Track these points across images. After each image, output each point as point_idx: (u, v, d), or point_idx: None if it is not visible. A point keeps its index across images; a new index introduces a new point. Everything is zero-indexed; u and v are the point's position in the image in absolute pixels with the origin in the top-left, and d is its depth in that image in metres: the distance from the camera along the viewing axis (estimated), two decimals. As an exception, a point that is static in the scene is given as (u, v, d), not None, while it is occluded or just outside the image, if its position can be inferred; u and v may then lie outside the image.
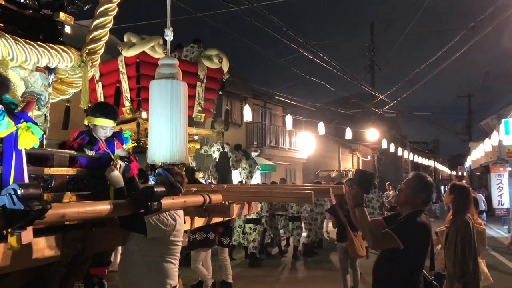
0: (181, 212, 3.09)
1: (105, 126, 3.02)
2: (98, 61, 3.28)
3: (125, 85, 7.91)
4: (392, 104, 22.00)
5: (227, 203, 3.91)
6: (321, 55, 13.07)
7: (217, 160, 10.24)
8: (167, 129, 2.92)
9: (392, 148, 23.88)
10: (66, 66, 3.00)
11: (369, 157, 29.05)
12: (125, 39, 7.64)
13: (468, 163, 38.66)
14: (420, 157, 37.57)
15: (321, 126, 17.90)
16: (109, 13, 3.24)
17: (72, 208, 2.17)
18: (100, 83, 8.37)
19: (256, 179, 11.08)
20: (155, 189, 2.54)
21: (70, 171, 2.73)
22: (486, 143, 20.13)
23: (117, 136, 3.14)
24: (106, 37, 3.28)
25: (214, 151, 10.44)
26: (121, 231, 2.99)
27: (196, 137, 8.81)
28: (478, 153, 24.74)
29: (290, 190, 4.89)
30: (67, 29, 3.16)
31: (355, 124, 23.91)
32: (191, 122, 8.24)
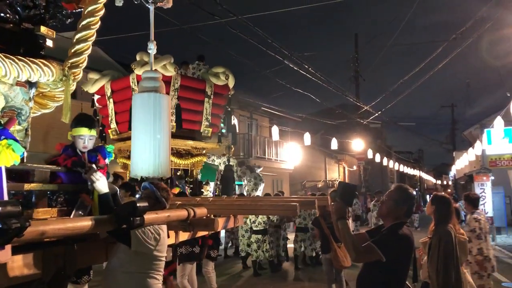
0: (164, 227, 3.06)
1: (82, 136, 2.97)
2: (81, 75, 3.26)
3: None
4: (376, 114, 22.24)
5: (212, 217, 3.89)
6: (306, 66, 13.18)
7: (222, 172, 10.70)
8: (150, 143, 2.90)
9: (377, 158, 24.05)
10: (47, 80, 2.97)
11: (355, 167, 29.21)
12: (138, 58, 8.01)
13: (452, 172, 39.10)
14: (405, 167, 37.91)
15: (307, 137, 18.00)
16: (92, 27, 3.23)
17: (52, 225, 2.13)
18: (111, 100, 8.78)
19: (260, 191, 11.38)
20: (138, 204, 2.51)
21: (51, 187, 2.69)
22: (469, 152, 20.41)
23: (100, 150, 3.11)
24: (89, 51, 3.26)
25: (220, 164, 11.01)
26: (104, 247, 2.94)
27: (204, 151, 9.28)
28: (462, 162, 25.05)
29: (275, 202, 4.89)
30: (49, 43, 3.13)
31: (341, 134, 24.07)
32: (200, 136, 8.87)
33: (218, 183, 10.84)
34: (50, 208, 2.63)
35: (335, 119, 24.02)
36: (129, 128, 7.76)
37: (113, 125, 8.96)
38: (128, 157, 8.66)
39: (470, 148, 20.21)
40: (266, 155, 20.13)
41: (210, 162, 10.63)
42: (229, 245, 12.71)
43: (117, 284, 2.88)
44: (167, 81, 8.01)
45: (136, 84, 8.15)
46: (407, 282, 2.96)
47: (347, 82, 24.95)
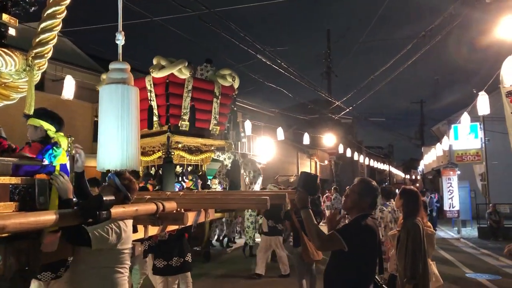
0: (128, 222, 3.00)
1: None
2: (46, 65, 3.15)
3: (152, 102, 9.06)
4: (348, 110, 22.48)
5: (182, 211, 3.86)
6: (278, 61, 13.18)
7: (228, 167, 11.50)
8: (118, 136, 2.83)
9: (348, 153, 24.37)
10: (9, 70, 2.86)
11: (326, 162, 29.55)
12: (155, 61, 8.73)
13: (421, 167, 40.05)
14: (375, 162, 38.58)
15: (280, 132, 18.07)
16: (57, 16, 3.12)
17: (14, 219, 2.06)
18: None
19: (258, 185, 12.05)
20: (104, 198, 2.46)
21: (13, 180, 2.60)
22: (437, 147, 20.91)
23: (43, 148, 2.92)
24: (54, 41, 3.16)
25: (225, 159, 11.86)
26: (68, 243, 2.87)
27: (212, 148, 10.33)
28: (430, 157, 25.69)
29: (246, 196, 4.89)
30: (12, 32, 3.02)
31: (313, 129, 24.29)
32: (208, 134, 9.98)
33: (223, 176, 11.61)
34: (12, 202, 2.54)
35: (308, 114, 24.20)
36: (149, 127, 9.06)
37: None
38: (142, 153, 9.71)
39: (438, 144, 20.70)
40: (239, 150, 20.10)
41: (216, 157, 11.39)
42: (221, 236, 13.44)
43: (82, 278, 2.82)
44: (181, 83, 9.03)
45: (152, 85, 9.01)
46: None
47: (320, 77, 25.17)
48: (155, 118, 9.11)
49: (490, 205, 16.07)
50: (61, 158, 2.84)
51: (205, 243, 10.75)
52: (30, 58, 2.98)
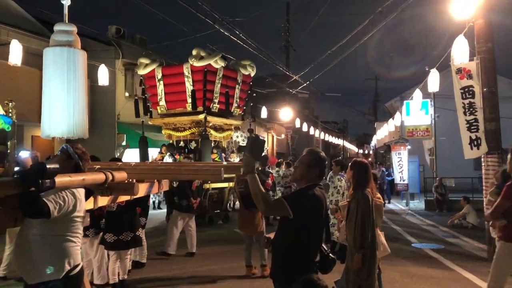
0: (81, 189, 2.89)
1: None
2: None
3: (189, 86, 10.93)
4: (305, 84, 22.62)
5: (134, 181, 3.76)
6: (237, 32, 12.98)
7: (240, 144, 13.70)
8: (64, 101, 2.70)
9: (305, 127, 24.61)
10: None
11: (283, 136, 29.80)
12: (194, 52, 10.67)
13: (373, 142, 41.19)
14: (330, 136, 39.32)
15: (237, 105, 17.96)
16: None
17: None
18: (161, 82, 11.30)
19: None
20: (48, 166, 2.32)
21: None
22: (390, 123, 21.46)
23: None
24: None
25: (237, 136, 14.07)
26: (12, 212, 2.73)
27: (232, 127, 12.32)
28: (382, 132, 26.37)
29: (200, 167, 4.84)
30: None
31: (270, 103, 24.28)
32: (230, 115, 12.10)
33: (232, 150, 13.23)
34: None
35: (265, 88, 24.14)
36: (193, 108, 11.02)
37: (162, 103, 11.54)
38: (174, 129, 11.61)
39: (391, 119, 21.23)
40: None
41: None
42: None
43: (30, 246, 2.68)
44: (215, 71, 10.94)
45: (189, 72, 10.82)
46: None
47: (278, 51, 25.06)
48: (189, 100, 10.80)
49: (437, 179, 16.78)
50: None
51: (225, 206, 12.11)
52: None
